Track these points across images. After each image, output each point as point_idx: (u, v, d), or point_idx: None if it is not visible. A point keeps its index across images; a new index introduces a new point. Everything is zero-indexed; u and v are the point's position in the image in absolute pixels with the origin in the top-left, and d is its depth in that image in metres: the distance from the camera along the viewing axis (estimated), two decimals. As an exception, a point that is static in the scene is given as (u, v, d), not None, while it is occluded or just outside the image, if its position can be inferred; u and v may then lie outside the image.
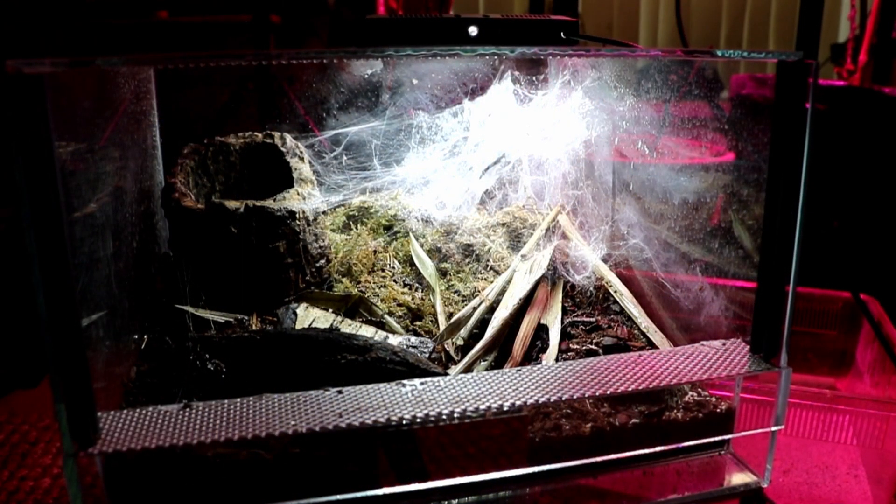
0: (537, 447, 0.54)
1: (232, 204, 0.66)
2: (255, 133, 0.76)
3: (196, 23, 1.47)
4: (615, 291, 0.73)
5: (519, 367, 0.56)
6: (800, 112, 0.52)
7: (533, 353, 0.65)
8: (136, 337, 0.64)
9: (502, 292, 0.71)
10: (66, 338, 0.43)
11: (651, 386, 0.53)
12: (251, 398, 0.49)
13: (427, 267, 0.74)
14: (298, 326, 0.66)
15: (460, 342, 0.66)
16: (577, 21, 0.58)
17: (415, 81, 0.75)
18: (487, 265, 0.75)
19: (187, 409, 0.48)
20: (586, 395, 0.52)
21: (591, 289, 0.74)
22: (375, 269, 0.75)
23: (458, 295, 0.72)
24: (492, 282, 0.73)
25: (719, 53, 0.55)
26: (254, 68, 0.87)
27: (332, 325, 0.66)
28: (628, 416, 0.57)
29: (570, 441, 0.55)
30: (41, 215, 0.41)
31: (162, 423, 0.47)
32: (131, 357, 0.61)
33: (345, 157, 0.76)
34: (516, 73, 0.75)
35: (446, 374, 0.60)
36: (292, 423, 0.47)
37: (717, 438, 0.60)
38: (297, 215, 0.69)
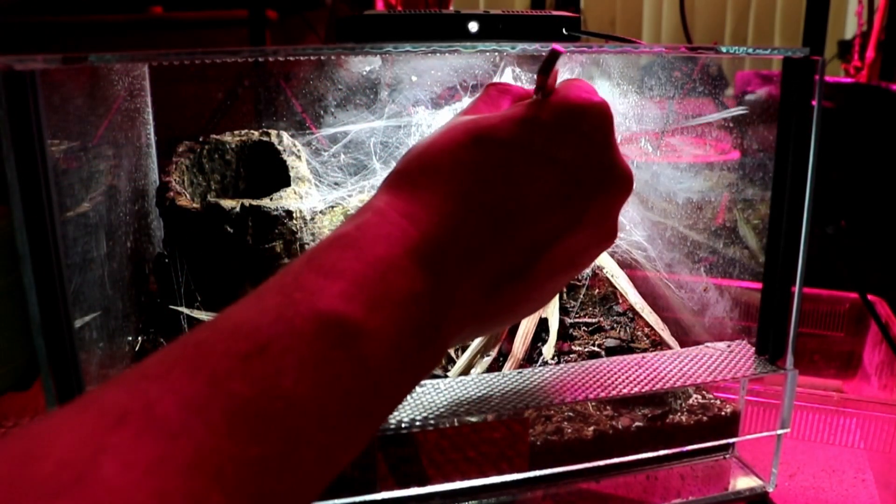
0: (539, 451, 0.53)
1: (228, 203, 0.65)
2: (252, 131, 0.75)
3: (191, 18, 1.46)
4: (618, 292, 0.72)
5: (520, 370, 0.55)
6: (806, 109, 0.51)
7: (534, 354, 0.64)
8: (130, 338, 0.63)
9: (503, 292, 0.70)
10: (58, 339, 0.42)
11: (655, 388, 0.52)
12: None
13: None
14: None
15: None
16: (579, 17, 0.57)
17: (414, 78, 0.74)
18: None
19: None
20: (589, 398, 0.51)
21: (594, 290, 0.73)
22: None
23: (459, 295, 0.71)
24: (493, 282, 0.71)
25: (724, 50, 0.54)
26: (250, 65, 0.86)
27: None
28: (631, 419, 0.56)
29: (572, 444, 0.54)
30: (33, 215, 0.40)
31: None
32: (125, 359, 0.60)
33: (343, 155, 0.75)
34: (517, 69, 0.74)
35: (446, 376, 0.59)
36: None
37: (721, 442, 0.59)
38: (295, 215, 0.68)
